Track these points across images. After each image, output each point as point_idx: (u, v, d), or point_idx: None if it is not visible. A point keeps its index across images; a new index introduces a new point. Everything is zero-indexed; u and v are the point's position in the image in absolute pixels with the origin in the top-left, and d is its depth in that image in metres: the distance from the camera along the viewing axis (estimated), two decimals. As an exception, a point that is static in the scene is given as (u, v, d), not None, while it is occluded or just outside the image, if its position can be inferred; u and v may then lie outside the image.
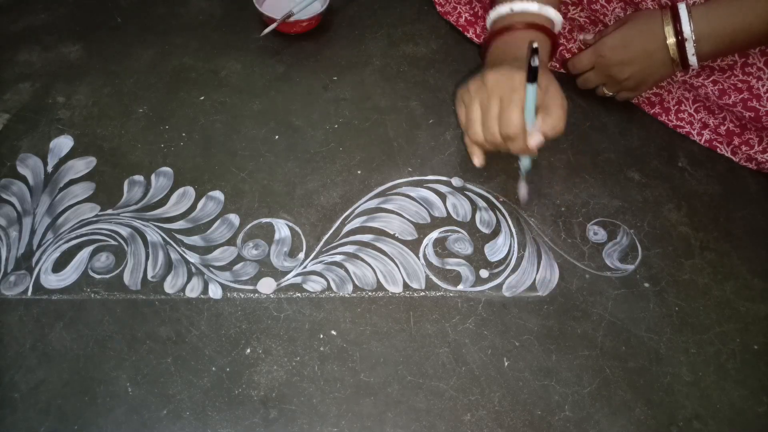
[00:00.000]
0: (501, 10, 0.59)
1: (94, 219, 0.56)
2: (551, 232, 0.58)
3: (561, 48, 0.71)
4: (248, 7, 0.73)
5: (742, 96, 0.61)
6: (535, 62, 0.49)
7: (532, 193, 0.60)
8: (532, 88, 0.50)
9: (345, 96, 0.68)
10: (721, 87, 0.62)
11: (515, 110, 0.51)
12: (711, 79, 0.62)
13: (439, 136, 0.65)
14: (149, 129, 0.63)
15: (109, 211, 0.57)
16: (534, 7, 0.57)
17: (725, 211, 0.61)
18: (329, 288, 0.53)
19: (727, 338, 0.53)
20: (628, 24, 0.61)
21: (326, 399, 0.48)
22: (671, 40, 0.58)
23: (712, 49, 0.58)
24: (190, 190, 0.59)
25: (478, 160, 0.58)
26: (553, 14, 0.58)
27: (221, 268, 0.54)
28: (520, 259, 0.56)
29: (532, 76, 0.50)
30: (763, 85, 0.60)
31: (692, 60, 0.59)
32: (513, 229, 0.58)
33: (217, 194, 0.59)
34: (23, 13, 0.74)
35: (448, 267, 0.55)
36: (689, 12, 0.57)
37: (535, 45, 0.49)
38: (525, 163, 0.58)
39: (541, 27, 0.57)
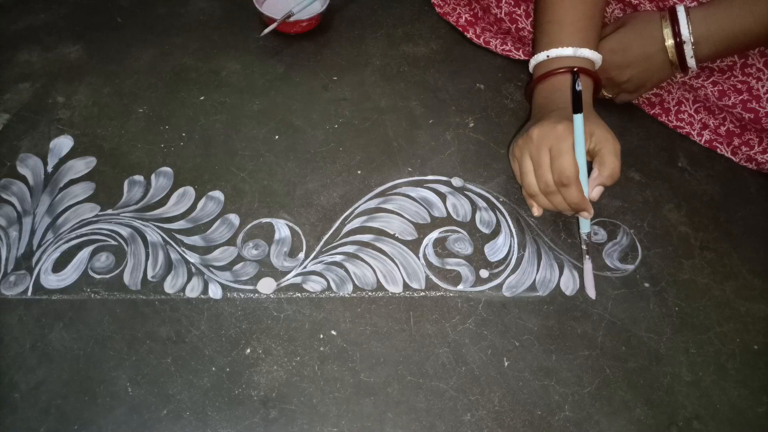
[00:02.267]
0: (539, 57, 0.60)
1: (94, 219, 0.56)
2: (551, 232, 0.58)
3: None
4: (248, 7, 0.73)
5: (741, 97, 0.61)
6: (579, 87, 0.50)
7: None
8: (579, 119, 0.51)
9: (345, 96, 0.68)
10: (720, 88, 0.62)
11: (567, 157, 0.52)
12: (710, 80, 0.62)
13: (439, 136, 0.65)
14: (149, 129, 0.63)
15: (109, 211, 0.57)
16: (568, 52, 0.58)
17: (725, 211, 0.61)
18: (329, 288, 0.53)
19: (727, 338, 0.53)
20: (626, 26, 0.61)
21: (326, 399, 0.48)
22: (669, 42, 0.59)
23: (711, 51, 0.58)
24: (190, 190, 0.59)
25: (536, 210, 0.58)
26: (589, 54, 0.58)
27: (221, 268, 0.54)
28: (520, 259, 0.56)
29: (576, 105, 0.51)
30: (762, 86, 0.60)
31: (691, 62, 0.59)
32: (513, 229, 0.58)
33: (217, 194, 0.59)
34: (23, 13, 0.74)
35: (448, 267, 0.55)
36: (687, 14, 0.57)
37: (575, 69, 0.51)
38: (585, 228, 0.56)
39: (581, 69, 0.57)
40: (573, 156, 0.52)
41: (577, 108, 0.52)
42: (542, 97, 0.59)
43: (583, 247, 0.56)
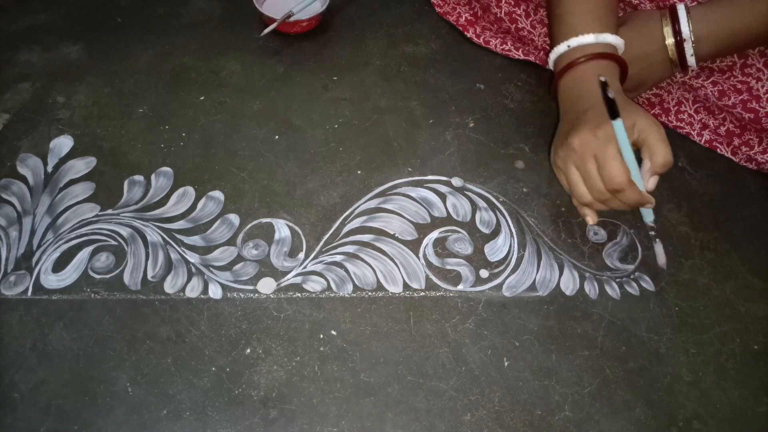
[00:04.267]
0: (559, 49, 0.59)
1: (94, 219, 0.56)
2: (551, 232, 0.58)
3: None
4: (248, 7, 0.73)
5: (741, 97, 0.61)
6: (610, 94, 0.49)
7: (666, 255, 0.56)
8: (618, 125, 0.50)
9: (345, 96, 0.68)
10: (720, 88, 0.62)
11: (614, 163, 0.50)
12: (710, 80, 0.62)
13: (439, 136, 0.65)
14: (149, 129, 0.63)
15: (109, 211, 0.57)
16: (590, 39, 0.56)
17: (725, 211, 0.61)
18: (329, 288, 0.53)
19: (727, 338, 0.53)
20: (626, 25, 0.61)
21: (326, 399, 0.48)
22: (670, 41, 0.58)
23: (711, 50, 0.58)
24: (190, 190, 0.59)
25: (591, 219, 0.57)
26: (611, 39, 0.57)
27: (221, 268, 0.54)
28: (520, 259, 0.56)
29: (612, 111, 0.49)
30: (762, 86, 0.60)
31: (691, 61, 0.59)
32: (513, 229, 0.58)
33: (217, 194, 0.59)
34: (23, 13, 0.74)
35: (448, 267, 0.55)
36: (688, 13, 0.57)
37: (602, 79, 0.49)
38: (648, 217, 0.56)
39: (605, 55, 0.56)
40: (620, 160, 0.51)
41: (613, 114, 0.50)
42: (569, 90, 0.58)
43: (652, 233, 0.56)
